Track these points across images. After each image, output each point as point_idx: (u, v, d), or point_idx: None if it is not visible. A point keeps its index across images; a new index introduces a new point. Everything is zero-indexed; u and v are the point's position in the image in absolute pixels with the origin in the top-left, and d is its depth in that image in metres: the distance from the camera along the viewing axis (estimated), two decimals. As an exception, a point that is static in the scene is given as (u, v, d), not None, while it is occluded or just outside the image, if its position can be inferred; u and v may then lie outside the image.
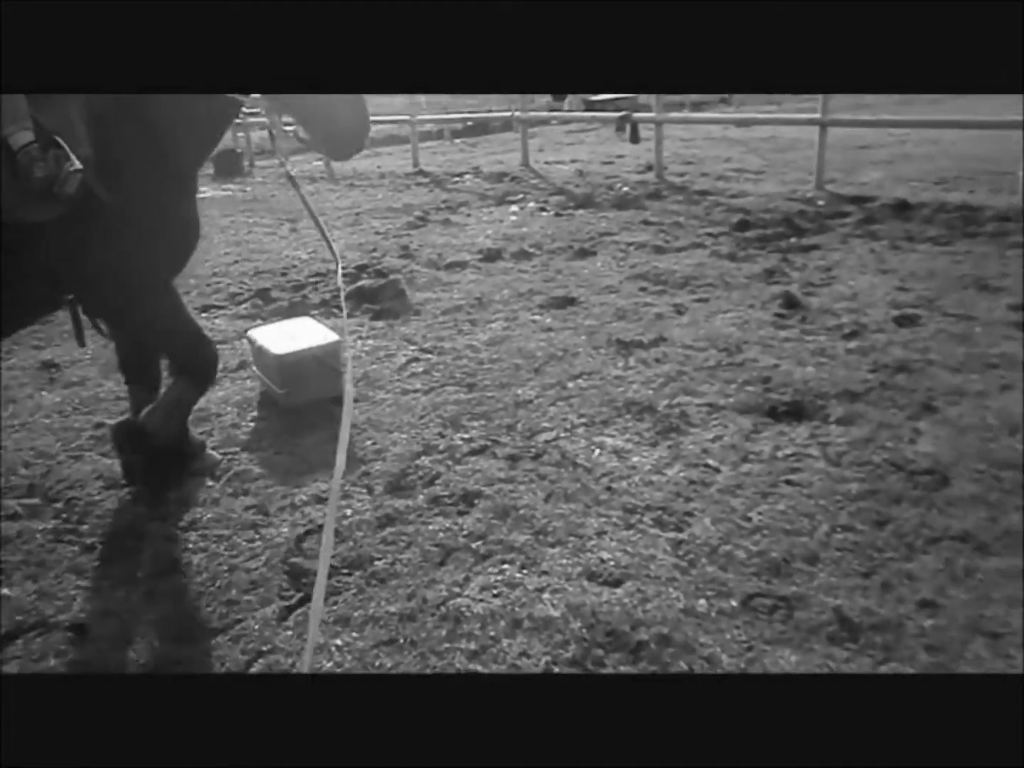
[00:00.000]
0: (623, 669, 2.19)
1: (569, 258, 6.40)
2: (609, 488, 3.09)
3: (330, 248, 2.96)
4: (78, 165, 2.39)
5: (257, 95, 2.74)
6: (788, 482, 3.06)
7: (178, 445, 3.21)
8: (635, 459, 3.28)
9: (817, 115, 8.80)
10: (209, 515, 3.10)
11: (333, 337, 3.98)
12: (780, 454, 3.26)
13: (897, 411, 3.55)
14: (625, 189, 9.11)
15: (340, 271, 3.14)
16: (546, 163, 11.55)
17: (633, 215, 7.78)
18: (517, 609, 2.45)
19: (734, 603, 2.45)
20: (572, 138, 15.53)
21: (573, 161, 11.43)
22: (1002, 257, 5.84)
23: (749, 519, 2.85)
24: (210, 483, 3.31)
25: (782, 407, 3.63)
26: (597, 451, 3.35)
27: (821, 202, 7.96)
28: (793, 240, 6.60)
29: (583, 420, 3.63)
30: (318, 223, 2.96)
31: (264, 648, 2.38)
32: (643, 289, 5.51)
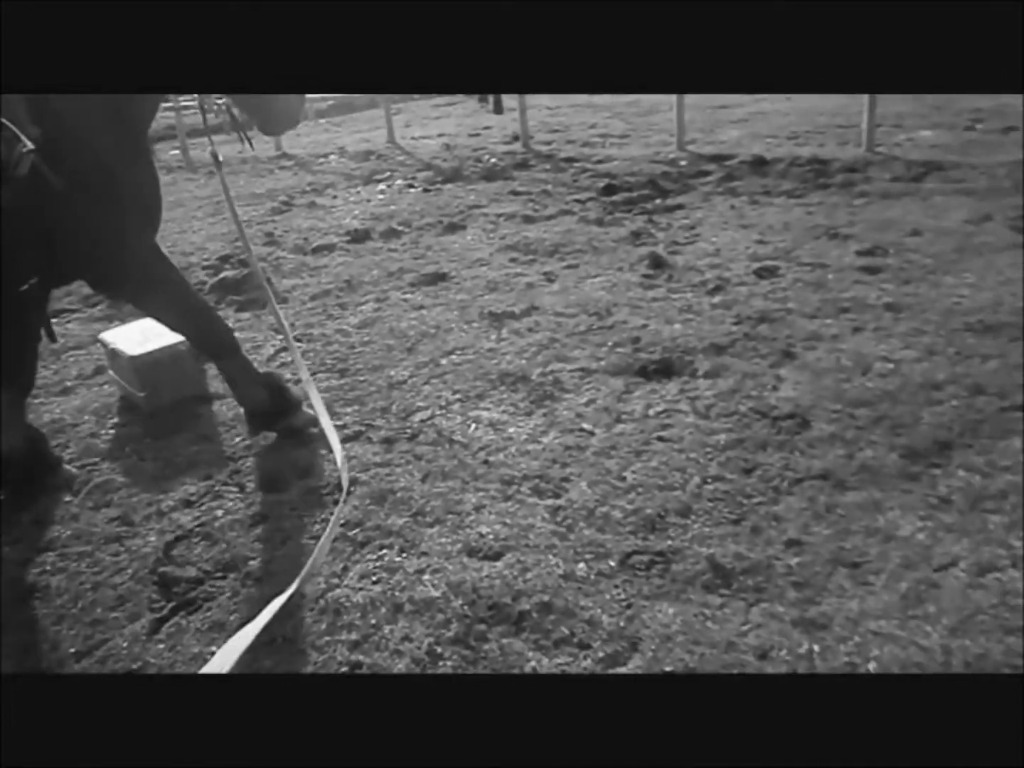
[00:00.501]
0: (506, 642, 2.19)
1: (439, 233, 6.33)
2: (486, 462, 3.07)
3: (243, 238, 2.95)
4: (30, 146, 2.33)
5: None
6: (660, 439, 3.12)
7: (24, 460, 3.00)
8: (511, 430, 3.27)
9: (673, 77, 8.94)
10: (68, 532, 2.92)
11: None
12: (651, 412, 3.32)
13: (760, 360, 3.68)
14: (493, 161, 9.07)
15: (256, 263, 3.02)
16: (412, 139, 11.38)
17: (501, 186, 7.76)
18: (397, 593, 2.41)
19: (612, 563, 2.48)
20: (439, 112, 15.35)
21: (440, 135, 11.30)
22: (850, 206, 6.12)
23: (624, 479, 2.89)
24: (68, 498, 3.12)
25: (652, 365, 3.70)
26: (473, 426, 3.33)
27: (683, 163, 8.14)
28: (658, 201, 6.73)
29: (458, 396, 3.60)
30: (234, 212, 2.96)
31: (134, 665, 2.26)
32: (514, 260, 5.50)
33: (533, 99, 12.33)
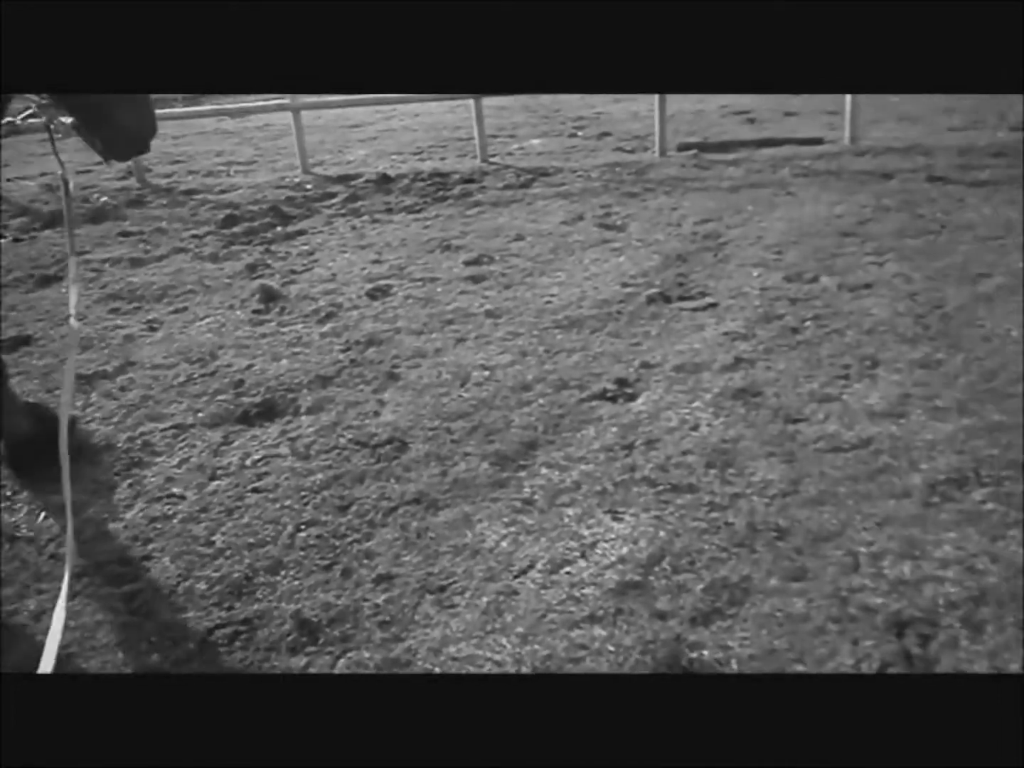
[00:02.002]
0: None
1: (28, 290, 5.59)
2: (53, 556, 2.68)
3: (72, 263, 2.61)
4: None
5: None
6: (255, 490, 2.93)
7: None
8: (91, 511, 2.89)
9: (287, 100, 8.79)
10: None
11: None
12: (249, 461, 3.11)
13: (364, 387, 3.62)
14: (104, 199, 8.27)
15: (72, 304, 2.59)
16: (8, 180, 10.09)
17: (110, 227, 7.07)
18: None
19: (192, 646, 2.24)
20: (45, 148, 13.80)
21: (43, 175, 10.13)
22: (464, 217, 6.35)
23: (212, 543, 2.66)
24: None
25: (254, 409, 3.49)
26: (42, 515, 2.90)
27: (309, 186, 7.99)
28: (279, 229, 6.50)
29: (22, 483, 3.12)
30: (71, 241, 2.65)
31: None
32: (114, 310, 4.99)
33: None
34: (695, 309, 4.15)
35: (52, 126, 2.62)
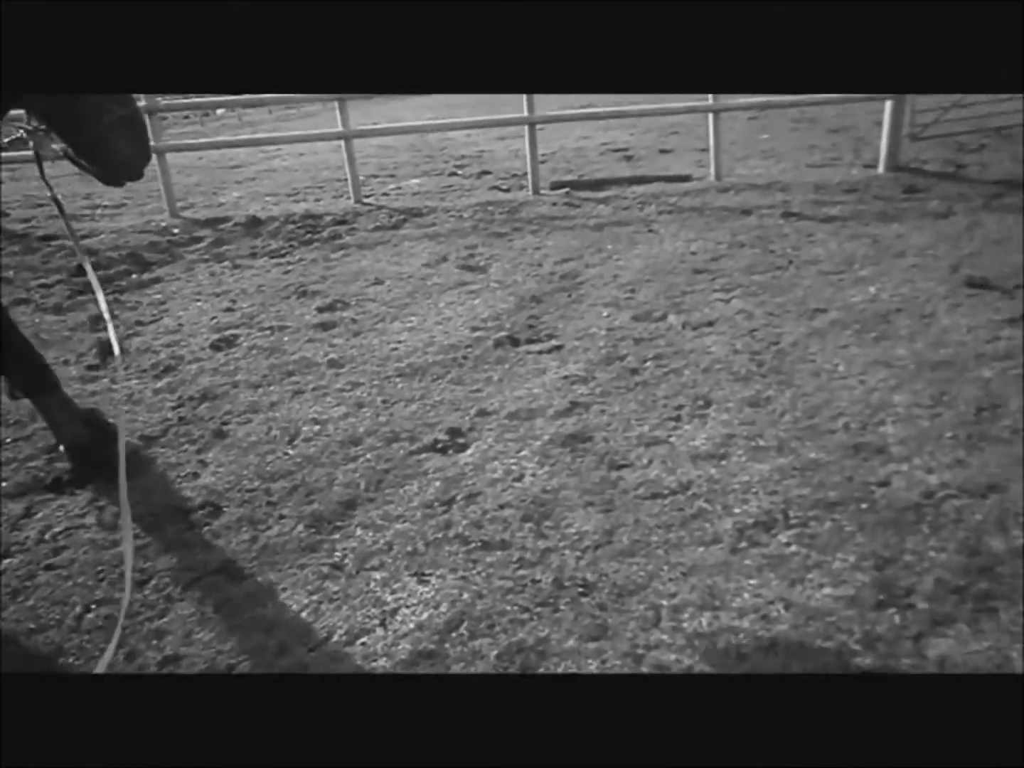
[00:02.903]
0: None
1: None
2: None
3: (94, 285, 2.71)
4: None
5: (17, 111, 2.55)
6: (48, 567, 2.72)
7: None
8: None
9: (152, 143, 8.52)
10: None
11: None
12: (48, 535, 2.90)
13: (189, 446, 3.44)
14: (-48, 249, 7.82)
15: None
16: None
17: (-48, 279, 6.67)
18: None
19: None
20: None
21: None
22: (327, 260, 6.23)
23: (-13, 632, 2.44)
24: None
25: (66, 476, 3.27)
26: None
27: (176, 230, 7.74)
28: (134, 276, 6.25)
29: None
30: (81, 257, 2.80)
31: None
32: (-63, 369, 4.66)
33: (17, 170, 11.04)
34: (540, 352, 4.12)
35: (40, 152, 2.63)
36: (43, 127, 2.54)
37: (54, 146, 2.58)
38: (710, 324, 4.33)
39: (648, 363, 3.89)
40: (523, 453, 3.15)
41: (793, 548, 2.49)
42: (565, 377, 3.79)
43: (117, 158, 2.54)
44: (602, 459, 3.07)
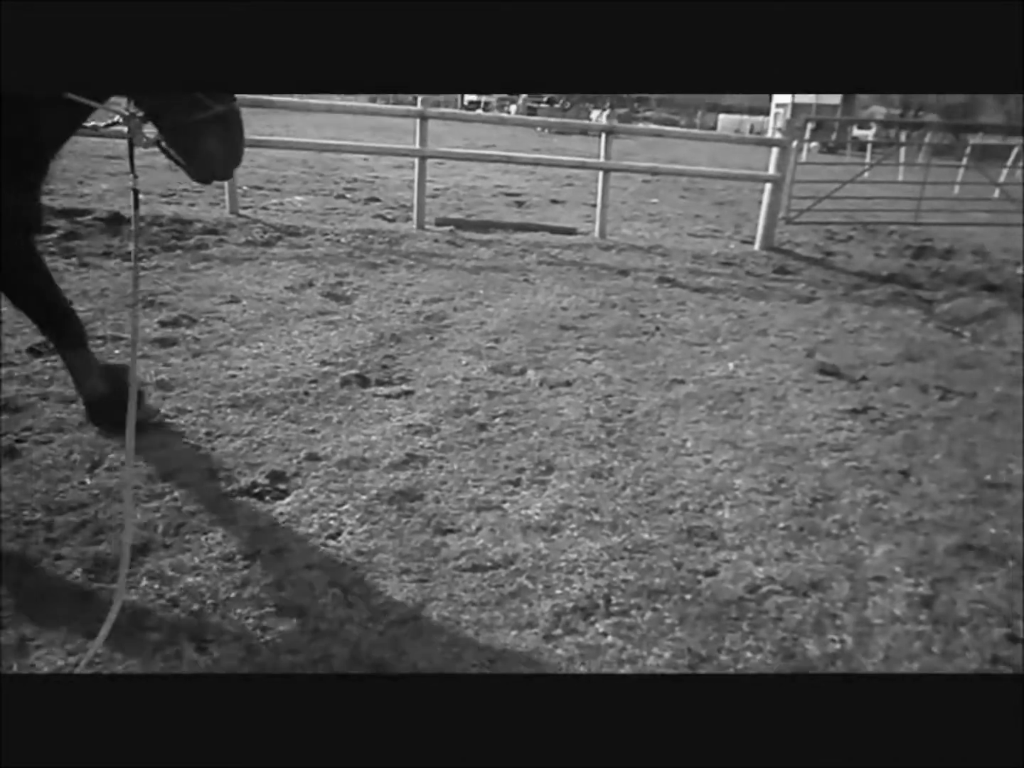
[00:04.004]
0: None
1: None
2: None
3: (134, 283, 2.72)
4: None
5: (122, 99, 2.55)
6: None
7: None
8: None
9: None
10: None
11: None
12: None
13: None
14: None
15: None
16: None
17: None
18: None
19: None
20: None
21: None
22: (186, 270, 5.85)
23: None
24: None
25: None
26: None
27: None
28: (-37, 263, 5.67)
29: None
30: (136, 254, 2.79)
31: None
32: None
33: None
34: (388, 396, 3.91)
35: (133, 138, 2.56)
36: (140, 113, 2.55)
37: (148, 134, 2.58)
38: (568, 384, 4.24)
39: (498, 419, 3.75)
40: (345, 507, 2.92)
41: (609, 639, 2.35)
42: (408, 426, 3.60)
43: (206, 154, 2.55)
44: (429, 522, 2.87)
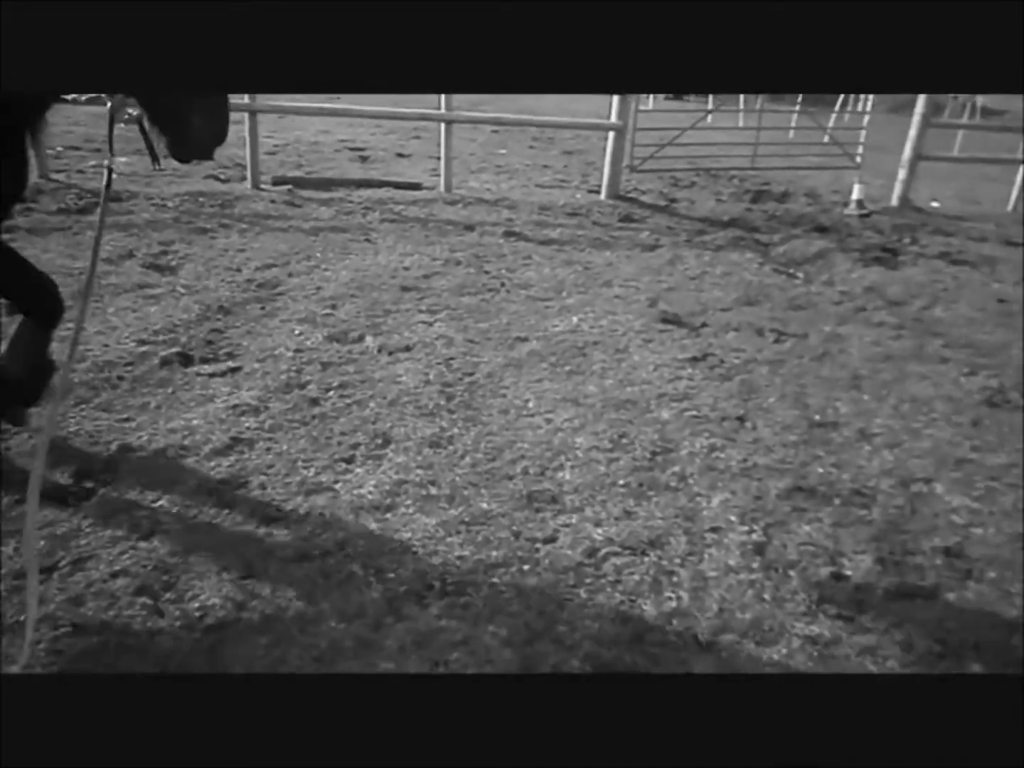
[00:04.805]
0: None
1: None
2: None
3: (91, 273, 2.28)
4: None
5: None
6: None
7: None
8: None
9: None
10: None
11: None
12: None
13: None
14: None
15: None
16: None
17: None
18: None
19: None
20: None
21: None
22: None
23: None
24: None
25: None
26: None
27: None
28: None
29: None
30: (97, 242, 2.36)
31: None
32: None
33: None
34: (213, 375, 3.65)
35: (115, 115, 2.51)
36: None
37: (129, 110, 2.49)
38: (407, 349, 4.09)
39: (331, 392, 3.56)
40: (160, 503, 2.69)
41: (443, 622, 2.26)
42: (234, 407, 3.36)
43: (192, 134, 2.38)
44: (253, 511, 2.69)
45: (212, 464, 2.94)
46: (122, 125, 2.53)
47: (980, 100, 17.85)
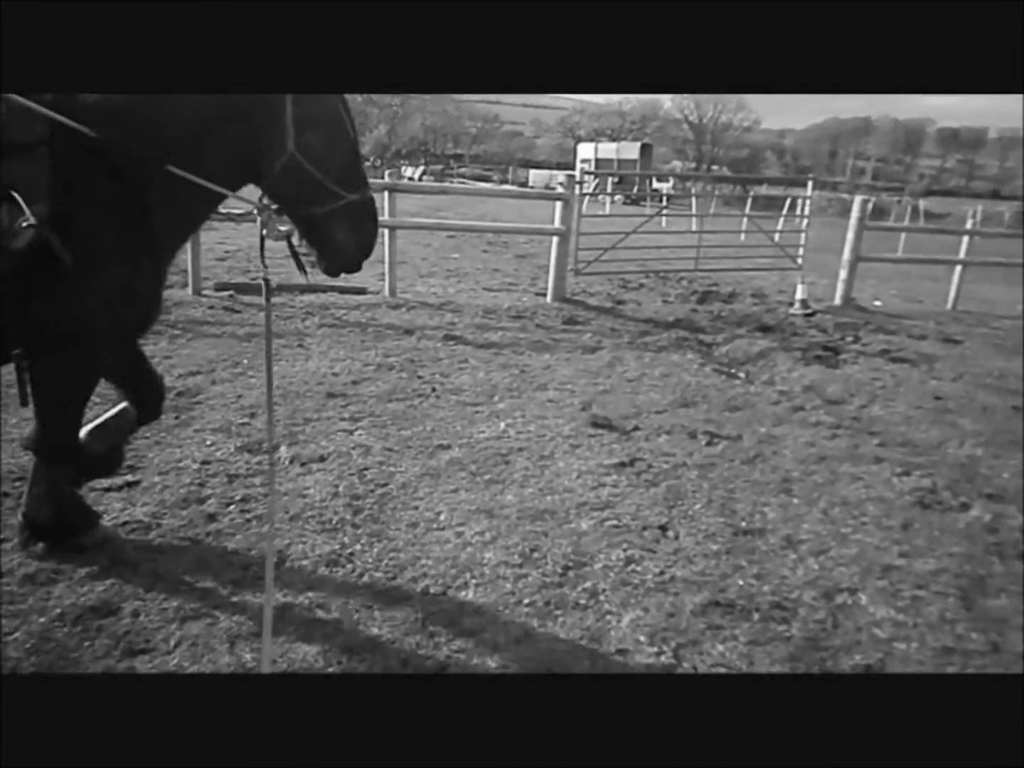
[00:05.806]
0: None
1: None
2: None
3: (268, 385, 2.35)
4: (32, 220, 2.14)
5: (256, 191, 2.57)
6: None
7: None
8: None
9: None
10: None
11: None
12: None
13: None
14: None
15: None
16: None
17: None
18: None
19: None
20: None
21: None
22: None
23: None
24: None
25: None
26: None
27: None
28: None
29: None
30: (269, 350, 2.59)
31: None
32: None
33: None
34: (108, 489, 3.46)
35: (265, 230, 2.59)
36: (273, 205, 2.58)
37: (280, 227, 2.59)
38: (321, 459, 3.93)
39: (232, 507, 3.39)
40: (15, 636, 2.46)
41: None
42: (123, 524, 3.17)
43: (340, 248, 2.52)
44: (118, 642, 2.47)
45: (84, 590, 2.73)
46: (271, 238, 2.64)
47: (923, 204, 18.60)
